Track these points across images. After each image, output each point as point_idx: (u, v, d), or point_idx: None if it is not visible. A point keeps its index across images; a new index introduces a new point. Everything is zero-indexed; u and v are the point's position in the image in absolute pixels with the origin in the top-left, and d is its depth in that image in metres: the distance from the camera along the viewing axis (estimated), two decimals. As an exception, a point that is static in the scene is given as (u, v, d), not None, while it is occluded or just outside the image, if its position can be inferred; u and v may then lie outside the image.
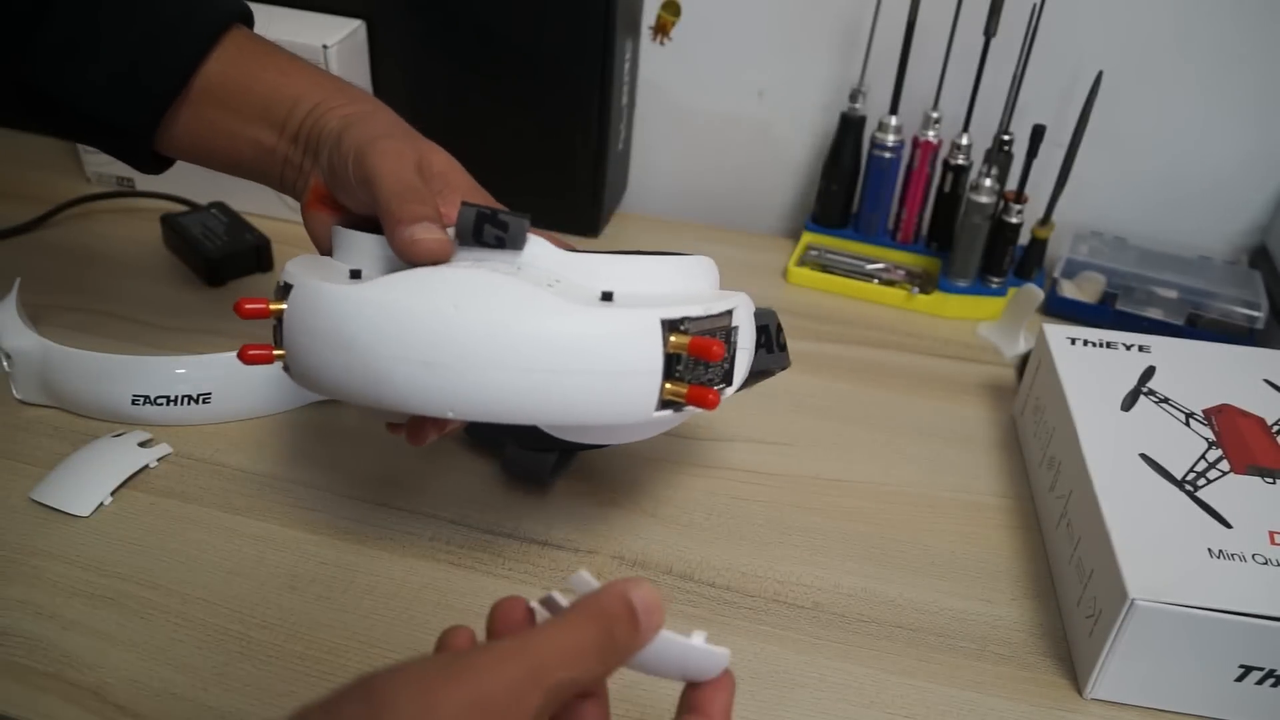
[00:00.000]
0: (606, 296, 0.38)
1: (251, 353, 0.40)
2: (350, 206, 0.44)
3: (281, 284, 0.40)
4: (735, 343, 0.40)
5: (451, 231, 0.39)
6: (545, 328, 0.36)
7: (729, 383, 0.40)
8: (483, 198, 0.45)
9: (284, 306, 0.39)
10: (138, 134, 0.47)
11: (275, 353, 0.40)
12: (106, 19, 0.45)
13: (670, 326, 0.37)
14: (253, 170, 0.48)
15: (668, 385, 0.37)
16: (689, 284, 0.42)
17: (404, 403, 0.36)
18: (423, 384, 0.36)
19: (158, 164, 0.50)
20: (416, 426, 0.44)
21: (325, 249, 0.46)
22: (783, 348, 0.47)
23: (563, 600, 0.30)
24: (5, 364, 0.56)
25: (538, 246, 0.39)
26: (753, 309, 0.43)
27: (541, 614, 0.32)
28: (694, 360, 0.38)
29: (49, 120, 0.49)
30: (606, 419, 0.37)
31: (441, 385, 0.36)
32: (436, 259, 0.39)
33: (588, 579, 0.30)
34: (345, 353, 0.37)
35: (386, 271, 0.40)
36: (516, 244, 0.39)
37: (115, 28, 0.45)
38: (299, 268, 0.41)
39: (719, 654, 0.32)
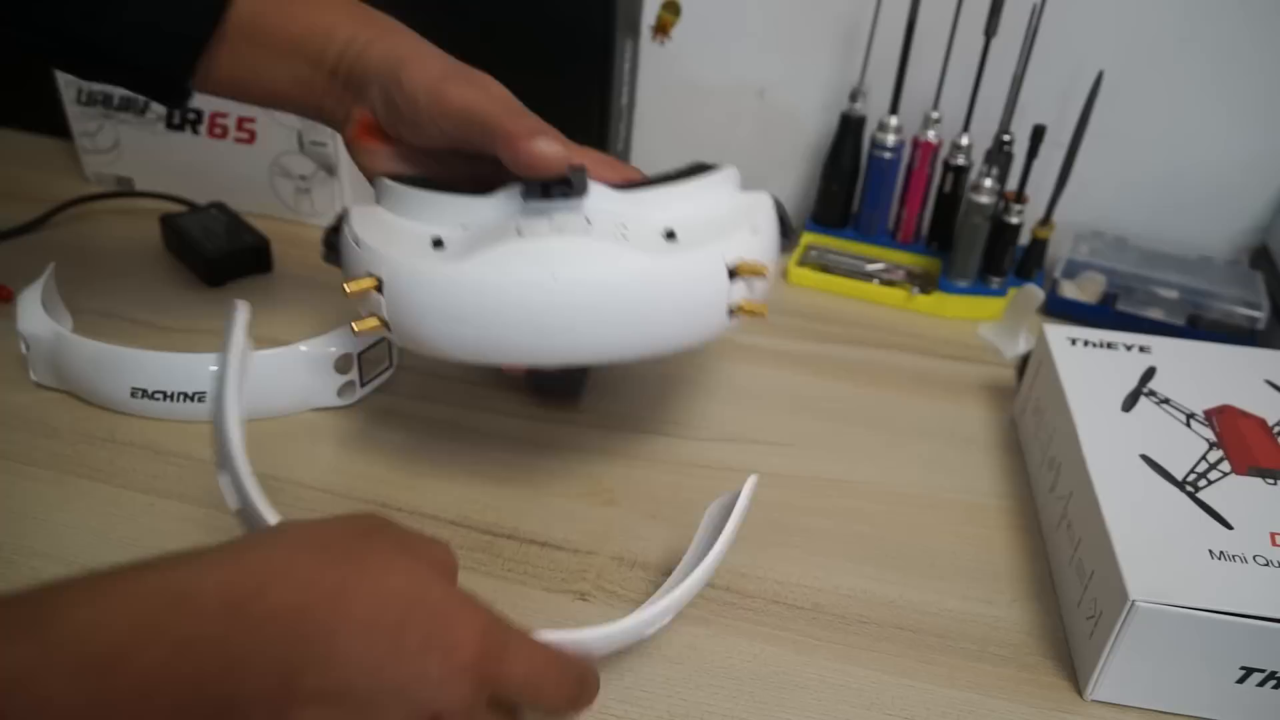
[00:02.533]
0: (670, 235, 0.44)
1: (359, 326, 0.44)
2: (413, 140, 0.47)
3: (351, 243, 0.45)
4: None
5: (514, 191, 0.44)
6: (633, 281, 0.42)
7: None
8: (542, 122, 0.47)
9: (375, 283, 0.43)
10: (176, 75, 0.48)
11: (372, 323, 0.44)
12: None
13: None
14: (290, 104, 0.50)
15: (729, 301, 0.44)
16: (725, 197, 0.47)
17: (518, 361, 0.43)
18: (535, 345, 0.42)
19: (187, 98, 0.51)
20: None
21: (372, 176, 0.48)
22: (790, 227, 0.51)
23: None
24: (24, 347, 0.57)
25: (596, 192, 0.44)
26: (773, 205, 0.48)
27: None
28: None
29: (84, 65, 0.49)
30: (688, 344, 0.44)
31: (552, 345, 0.42)
32: (557, 170, 0.43)
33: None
34: (459, 325, 0.42)
35: (457, 227, 0.44)
36: (580, 192, 0.44)
37: None
38: (374, 239, 0.44)
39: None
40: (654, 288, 0.42)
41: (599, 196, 0.44)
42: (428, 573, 0.32)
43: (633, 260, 0.42)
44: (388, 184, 0.47)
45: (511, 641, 0.33)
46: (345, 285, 0.44)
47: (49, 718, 0.24)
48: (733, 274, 0.44)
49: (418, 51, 0.47)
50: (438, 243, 0.44)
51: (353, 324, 0.45)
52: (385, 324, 0.44)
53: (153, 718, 0.26)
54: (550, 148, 0.43)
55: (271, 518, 0.38)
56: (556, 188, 0.44)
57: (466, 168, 0.48)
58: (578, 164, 0.44)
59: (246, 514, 0.39)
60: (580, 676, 0.36)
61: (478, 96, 0.45)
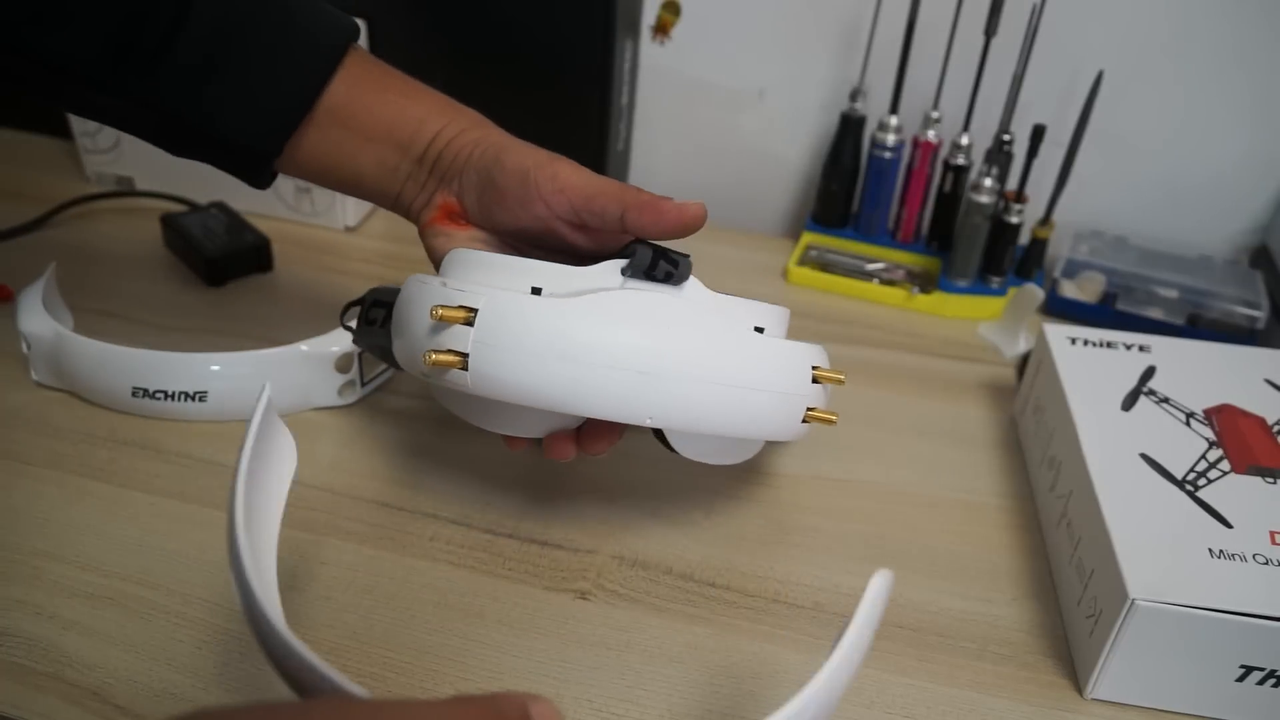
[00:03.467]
0: (758, 329, 0.44)
1: (436, 357, 0.41)
2: (506, 221, 0.47)
3: (429, 284, 0.43)
4: None
5: (614, 266, 0.43)
6: (742, 347, 0.42)
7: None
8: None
9: (469, 314, 0.40)
10: (264, 155, 0.48)
11: (450, 359, 0.41)
12: (234, 41, 0.45)
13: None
14: (371, 189, 0.50)
15: (808, 401, 0.44)
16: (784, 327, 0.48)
17: (607, 409, 0.40)
18: (632, 392, 0.40)
19: (271, 179, 0.51)
20: (560, 441, 0.46)
21: (441, 256, 0.47)
22: None
23: None
24: (25, 347, 0.57)
25: (694, 284, 0.44)
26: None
27: None
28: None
29: (174, 140, 0.49)
30: (762, 430, 0.44)
31: (650, 394, 0.40)
32: (700, 226, 0.44)
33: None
34: (557, 361, 0.40)
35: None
36: (684, 278, 0.43)
37: (245, 49, 0.45)
38: (464, 280, 0.43)
39: None
40: (758, 360, 0.42)
41: (694, 288, 0.44)
42: None
43: (740, 331, 0.43)
44: (471, 254, 0.45)
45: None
46: (435, 310, 0.40)
47: None
48: (814, 379, 0.44)
49: (513, 140, 0.48)
50: (536, 291, 0.42)
51: (428, 354, 0.41)
52: (464, 360, 0.41)
53: None
54: (696, 207, 0.44)
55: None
56: (661, 268, 0.43)
57: (540, 256, 0.47)
58: (686, 255, 0.44)
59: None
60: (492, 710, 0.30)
61: (590, 176, 0.45)
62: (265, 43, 0.46)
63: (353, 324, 0.50)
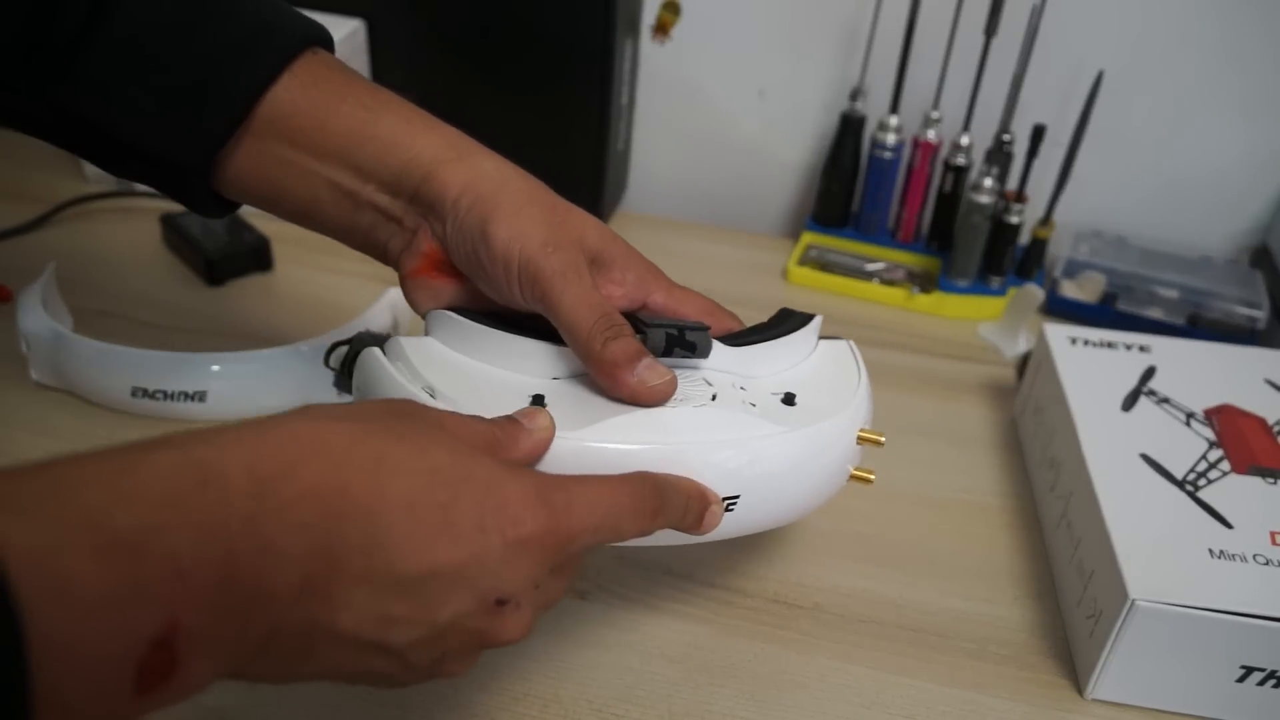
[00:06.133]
0: (789, 400, 0.41)
1: None
2: (494, 297, 0.40)
3: (416, 390, 0.37)
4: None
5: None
6: (772, 455, 0.39)
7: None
8: (640, 262, 0.43)
9: None
10: (191, 170, 0.41)
11: None
12: (164, 38, 0.39)
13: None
14: (330, 221, 0.42)
15: (851, 467, 0.43)
16: (814, 348, 0.46)
17: (638, 540, 0.36)
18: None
19: (219, 206, 0.44)
20: None
21: (426, 311, 0.42)
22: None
23: None
24: (24, 347, 0.57)
25: (714, 353, 0.41)
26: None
27: None
28: None
29: (93, 151, 0.43)
30: (810, 510, 0.42)
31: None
32: (664, 401, 0.38)
33: None
34: None
35: (548, 378, 0.40)
36: (704, 355, 0.40)
37: (172, 48, 0.39)
38: (456, 391, 0.37)
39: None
40: (790, 462, 0.39)
41: (718, 359, 0.41)
42: (469, 448, 0.31)
43: (780, 438, 0.39)
44: (459, 321, 0.40)
45: (572, 496, 0.31)
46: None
47: (74, 597, 0.22)
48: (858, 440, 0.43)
49: (505, 191, 0.40)
50: (538, 400, 0.37)
51: None
52: None
53: (189, 603, 0.24)
54: (658, 378, 0.37)
55: None
56: (679, 349, 0.39)
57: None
58: (698, 323, 0.40)
59: None
60: (655, 489, 0.34)
61: (575, 296, 0.38)
62: (200, 42, 0.39)
63: (337, 366, 0.44)
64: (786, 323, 0.45)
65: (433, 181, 0.40)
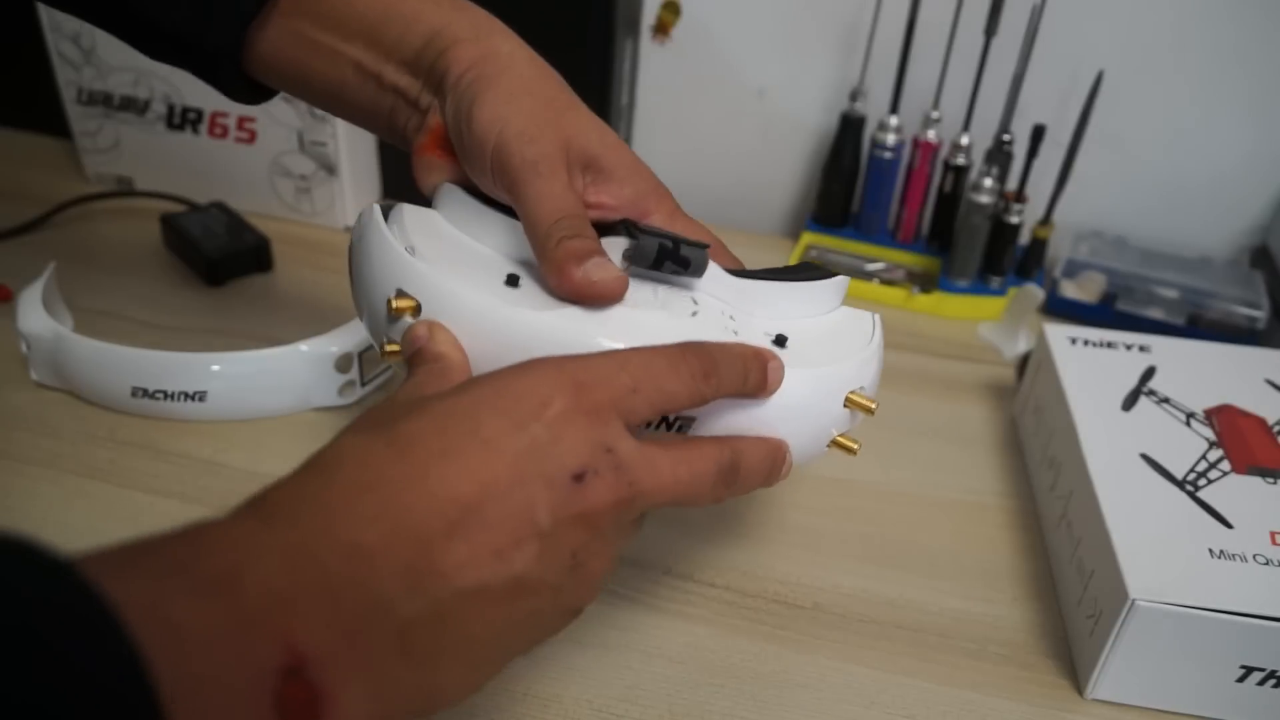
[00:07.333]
0: (779, 341, 0.38)
1: (391, 349, 0.36)
2: (475, 182, 0.40)
3: (395, 246, 0.36)
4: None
5: (614, 246, 0.37)
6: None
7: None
8: (644, 180, 0.41)
9: (415, 305, 0.36)
10: (221, 52, 0.42)
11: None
12: None
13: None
14: (357, 104, 0.42)
15: (834, 430, 0.39)
16: (832, 308, 0.42)
17: None
18: None
19: (254, 92, 0.45)
20: None
21: (430, 191, 0.41)
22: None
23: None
24: (24, 347, 0.57)
25: (709, 274, 0.38)
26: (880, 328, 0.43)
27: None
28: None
29: (135, 35, 0.44)
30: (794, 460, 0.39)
31: None
32: (611, 302, 0.36)
33: None
34: None
35: (519, 257, 0.38)
36: (697, 274, 0.38)
37: None
38: (433, 252, 0.37)
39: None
40: (779, 400, 0.37)
41: (710, 279, 0.38)
42: (468, 383, 0.31)
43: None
44: (459, 194, 0.40)
45: (591, 360, 0.31)
46: (391, 301, 0.35)
47: (184, 637, 0.22)
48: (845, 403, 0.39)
49: (507, 75, 0.39)
50: (513, 280, 0.37)
51: (385, 345, 0.36)
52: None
53: (304, 628, 0.24)
54: (603, 274, 0.35)
55: None
56: (670, 263, 0.36)
57: None
58: (702, 241, 0.38)
59: None
60: (697, 349, 0.33)
61: (541, 188, 0.37)
62: None
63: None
64: (803, 272, 0.42)
65: (445, 57, 0.39)
